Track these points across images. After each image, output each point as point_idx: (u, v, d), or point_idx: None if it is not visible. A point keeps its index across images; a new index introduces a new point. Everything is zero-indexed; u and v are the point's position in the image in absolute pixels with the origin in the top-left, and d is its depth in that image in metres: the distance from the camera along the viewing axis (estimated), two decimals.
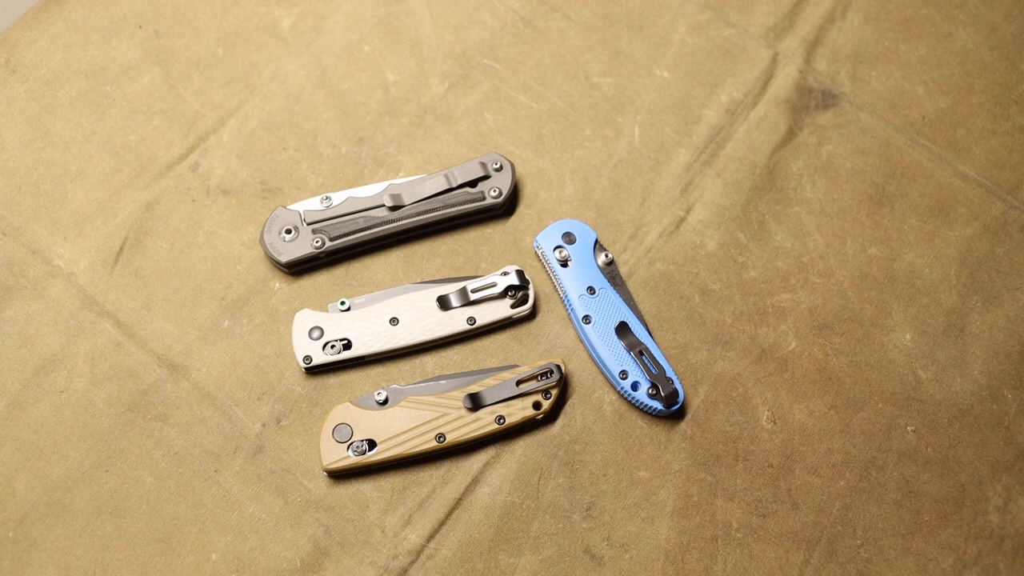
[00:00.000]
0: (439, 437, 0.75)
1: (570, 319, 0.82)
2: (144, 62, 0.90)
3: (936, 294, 0.85)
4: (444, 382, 0.77)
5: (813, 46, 0.95)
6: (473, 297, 0.80)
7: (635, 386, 0.78)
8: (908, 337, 0.83)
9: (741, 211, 0.87)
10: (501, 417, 0.76)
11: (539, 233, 0.84)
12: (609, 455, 0.78)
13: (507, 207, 0.86)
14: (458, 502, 0.76)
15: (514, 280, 0.80)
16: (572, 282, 0.81)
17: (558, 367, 0.77)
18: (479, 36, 0.93)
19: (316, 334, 0.78)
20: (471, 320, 0.80)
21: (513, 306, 0.81)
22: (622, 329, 0.80)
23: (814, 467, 0.78)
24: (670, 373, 0.79)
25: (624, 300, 0.81)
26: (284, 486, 0.76)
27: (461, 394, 0.76)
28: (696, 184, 0.88)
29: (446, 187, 0.83)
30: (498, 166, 0.85)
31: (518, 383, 0.77)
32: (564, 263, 0.82)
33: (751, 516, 0.77)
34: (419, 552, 0.74)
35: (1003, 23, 0.97)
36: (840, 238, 0.87)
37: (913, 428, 0.80)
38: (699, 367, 0.81)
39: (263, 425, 0.77)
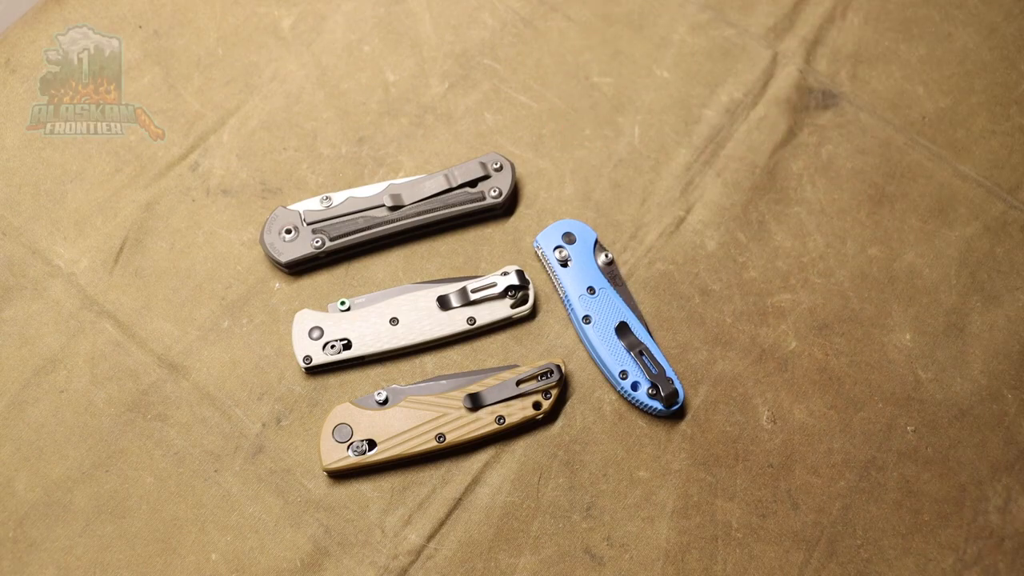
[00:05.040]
0: (439, 437, 0.75)
1: (570, 319, 0.82)
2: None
3: (936, 294, 0.85)
4: (444, 382, 0.77)
5: (813, 46, 0.94)
6: (473, 297, 0.80)
7: (635, 386, 0.78)
8: (908, 337, 0.83)
9: (741, 211, 0.87)
10: (501, 417, 0.76)
11: (539, 233, 0.84)
12: (609, 455, 0.78)
13: (507, 207, 0.86)
14: (458, 502, 0.76)
15: (514, 280, 0.80)
16: (572, 282, 0.81)
17: (558, 367, 0.77)
18: (479, 36, 0.93)
19: (316, 334, 0.78)
20: (471, 320, 0.80)
21: (513, 306, 0.81)
22: (622, 329, 0.80)
23: (814, 467, 0.78)
24: (670, 373, 0.79)
25: (624, 300, 0.81)
26: (284, 486, 0.76)
27: (461, 394, 0.76)
28: (696, 184, 0.88)
29: (446, 187, 0.83)
30: (498, 166, 0.85)
31: (518, 383, 0.77)
32: (564, 263, 0.82)
33: (751, 516, 0.77)
34: (419, 552, 0.74)
35: (1003, 23, 0.97)
36: (840, 238, 0.87)
37: (913, 428, 0.80)
38: (699, 367, 0.81)
39: (263, 425, 0.77)
